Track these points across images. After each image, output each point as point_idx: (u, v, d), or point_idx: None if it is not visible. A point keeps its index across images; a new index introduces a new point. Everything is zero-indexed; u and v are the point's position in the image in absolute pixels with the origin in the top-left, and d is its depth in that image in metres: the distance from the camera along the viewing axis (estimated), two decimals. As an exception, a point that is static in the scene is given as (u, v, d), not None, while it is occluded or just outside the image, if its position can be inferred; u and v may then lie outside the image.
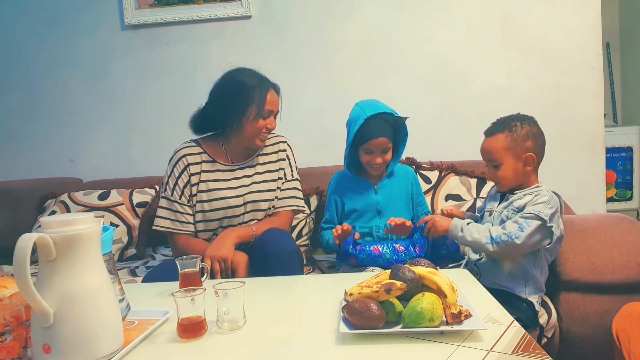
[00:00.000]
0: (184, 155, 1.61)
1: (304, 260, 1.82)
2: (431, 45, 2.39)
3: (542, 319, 1.42)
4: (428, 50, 2.40)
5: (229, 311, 0.97)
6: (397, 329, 0.90)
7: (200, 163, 1.61)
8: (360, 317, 0.89)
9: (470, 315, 0.89)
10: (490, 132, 1.46)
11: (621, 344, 1.11)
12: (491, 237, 1.34)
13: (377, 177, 1.75)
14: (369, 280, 1.03)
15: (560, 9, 2.33)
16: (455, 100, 2.38)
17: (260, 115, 1.55)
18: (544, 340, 1.44)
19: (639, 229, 1.55)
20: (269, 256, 1.43)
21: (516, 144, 1.39)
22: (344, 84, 2.42)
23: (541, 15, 2.34)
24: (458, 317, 0.89)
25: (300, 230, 2.02)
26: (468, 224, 1.41)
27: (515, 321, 0.93)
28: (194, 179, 1.59)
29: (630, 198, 3.46)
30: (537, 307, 1.39)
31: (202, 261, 1.23)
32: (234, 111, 1.55)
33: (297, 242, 1.94)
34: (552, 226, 1.32)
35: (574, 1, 2.31)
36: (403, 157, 1.96)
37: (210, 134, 1.69)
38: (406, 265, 1.03)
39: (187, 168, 1.59)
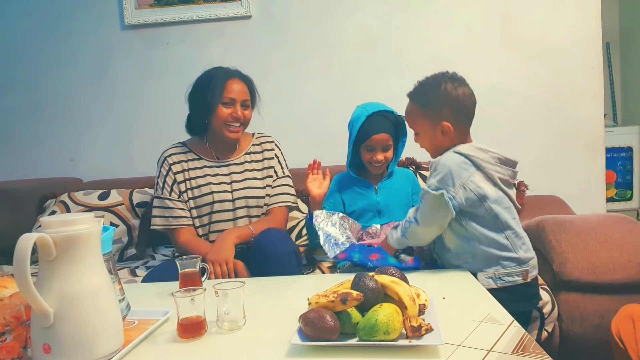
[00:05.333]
0: (168, 156, 1.65)
1: (304, 260, 1.83)
2: (431, 45, 2.39)
3: (546, 308, 1.41)
4: (428, 50, 2.40)
5: (229, 311, 0.97)
6: (353, 341, 0.85)
7: (186, 161, 1.65)
8: (314, 328, 0.84)
9: (432, 329, 0.84)
10: (409, 96, 1.37)
11: (626, 345, 1.11)
12: (402, 230, 1.31)
13: (377, 178, 1.76)
14: (331, 288, 1.00)
15: (560, 8, 2.33)
16: (455, 100, 2.38)
17: (220, 102, 1.57)
18: (545, 334, 1.43)
19: (639, 229, 1.55)
20: (266, 257, 1.44)
21: (429, 112, 1.30)
22: (344, 84, 2.42)
23: (541, 15, 2.34)
24: (418, 330, 0.83)
25: (300, 231, 2.02)
26: (396, 227, 1.37)
27: (514, 321, 0.93)
28: (179, 177, 1.63)
29: (630, 198, 3.46)
30: (487, 281, 1.24)
31: (203, 261, 1.23)
32: (202, 107, 1.59)
33: (297, 242, 1.94)
34: (442, 193, 1.22)
35: (574, 1, 2.31)
36: (403, 157, 1.97)
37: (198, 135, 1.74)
38: (371, 273, 0.98)
39: (170, 167, 1.63)
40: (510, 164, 1.30)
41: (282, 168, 1.74)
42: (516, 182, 1.36)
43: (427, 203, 1.26)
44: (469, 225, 1.26)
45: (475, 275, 1.26)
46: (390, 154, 1.70)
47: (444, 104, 1.29)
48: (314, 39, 2.44)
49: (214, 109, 1.57)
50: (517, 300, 1.23)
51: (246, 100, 1.62)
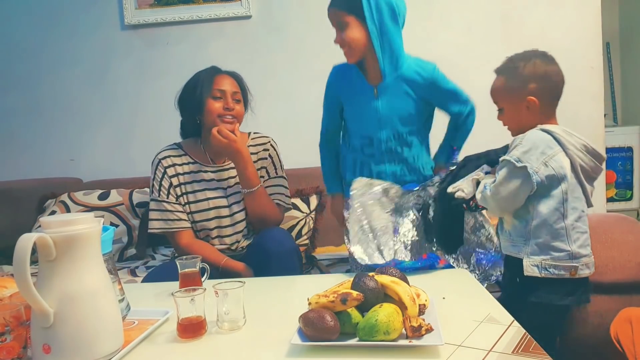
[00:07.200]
0: (162, 159, 1.61)
1: (303, 259, 1.83)
2: (431, 45, 2.39)
3: None
4: (428, 50, 2.38)
5: (229, 311, 0.97)
6: (353, 341, 0.86)
7: (180, 165, 1.61)
8: (314, 328, 0.85)
9: (432, 329, 0.84)
10: (496, 71, 1.33)
11: (624, 348, 1.11)
12: (481, 192, 1.25)
13: (377, 78, 1.50)
14: (331, 288, 1.00)
15: (560, 9, 2.33)
16: (455, 100, 2.38)
17: (209, 95, 1.55)
18: None
19: (639, 229, 1.55)
20: (270, 254, 1.43)
21: (514, 88, 1.26)
22: (344, 84, 2.42)
23: (541, 15, 2.34)
24: (418, 330, 0.83)
25: (300, 230, 2.02)
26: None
27: (515, 321, 0.93)
28: (175, 181, 1.59)
29: (630, 198, 3.46)
30: (532, 269, 1.17)
31: (203, 261, 1.23)
32: (192, 106, 1.58)
33: (297, 242, 1.94)
34: (525, 166, 1.16)
35: (574, 1, 2.32)
36: None
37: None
38: (371, 273, 0.98)
39: (166, 171, 1.59)
40: (596, 155, 1.24)
41: (275, 169, 1.70)
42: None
43: (505, 174, 1.18)
44: (532, 206, 1.19)
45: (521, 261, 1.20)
46: (352, 33, 1.50)
47: (532, 78, 1.26)
48: (314, 39, 2.44)
49: (204, 104, 1.55)
50: (554, 293, 1.19)
51: (236, 92, 1.59)
